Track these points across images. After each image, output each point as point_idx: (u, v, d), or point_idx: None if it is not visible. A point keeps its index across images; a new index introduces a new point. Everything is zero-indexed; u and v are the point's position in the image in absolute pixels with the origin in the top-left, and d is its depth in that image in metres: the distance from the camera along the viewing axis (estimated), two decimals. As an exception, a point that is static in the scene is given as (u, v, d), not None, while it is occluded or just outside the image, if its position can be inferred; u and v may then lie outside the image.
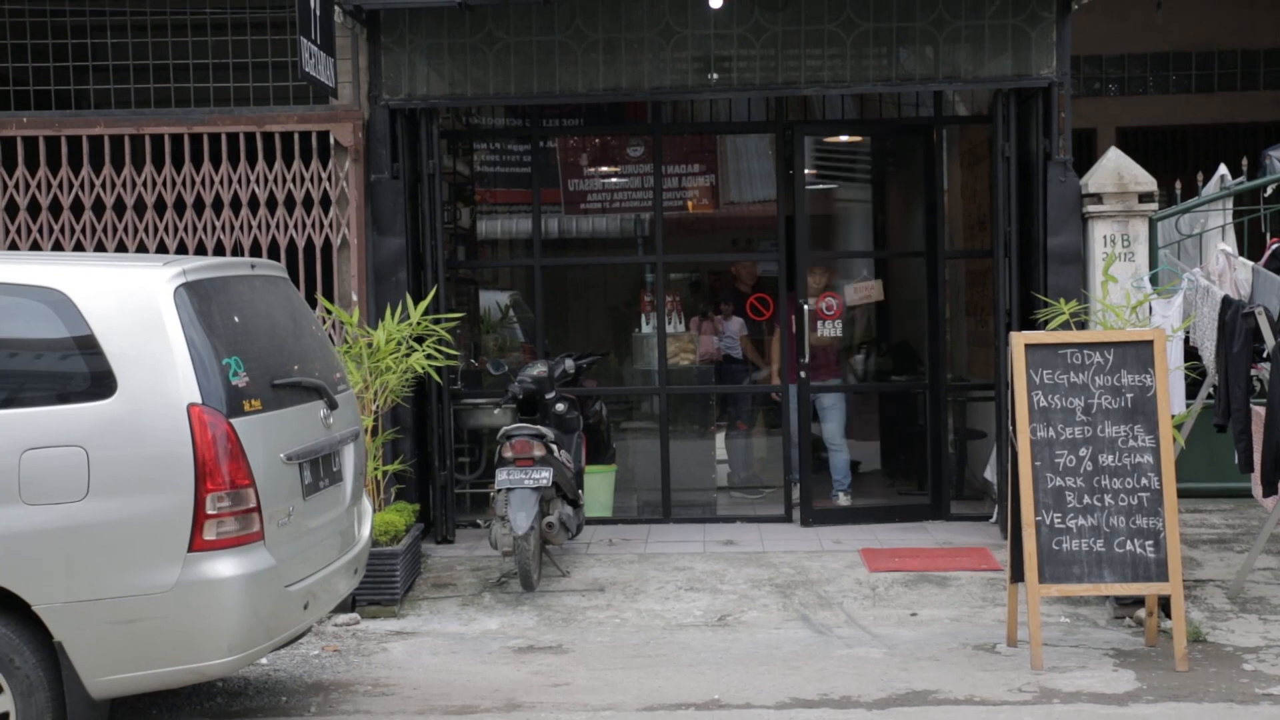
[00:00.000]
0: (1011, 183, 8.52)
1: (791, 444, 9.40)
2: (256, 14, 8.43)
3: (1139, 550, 6.36)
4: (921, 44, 8.48)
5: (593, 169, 10.45)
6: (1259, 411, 7.15)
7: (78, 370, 5.07)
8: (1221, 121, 12.18)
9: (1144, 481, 6.42)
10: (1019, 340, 6.62)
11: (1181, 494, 6.81)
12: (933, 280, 9.41)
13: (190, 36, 8.54)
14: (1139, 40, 12.00)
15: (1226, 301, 7.27)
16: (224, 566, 4.98)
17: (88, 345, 5.04)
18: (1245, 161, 8.70)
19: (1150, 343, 6.52)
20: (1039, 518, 6.42)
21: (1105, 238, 8.26)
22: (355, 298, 8.40)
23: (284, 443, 5.37)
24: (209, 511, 4.95)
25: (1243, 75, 12.35)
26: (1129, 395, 6.49)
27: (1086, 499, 6.42)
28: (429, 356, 7.95)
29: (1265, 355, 7.17)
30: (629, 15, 8.50)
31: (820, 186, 11.31)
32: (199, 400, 4.98)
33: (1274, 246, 8.10)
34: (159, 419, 4.98)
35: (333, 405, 5.83)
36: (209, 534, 4.97)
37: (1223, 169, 8.82)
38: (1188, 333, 7.70)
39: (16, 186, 8.38)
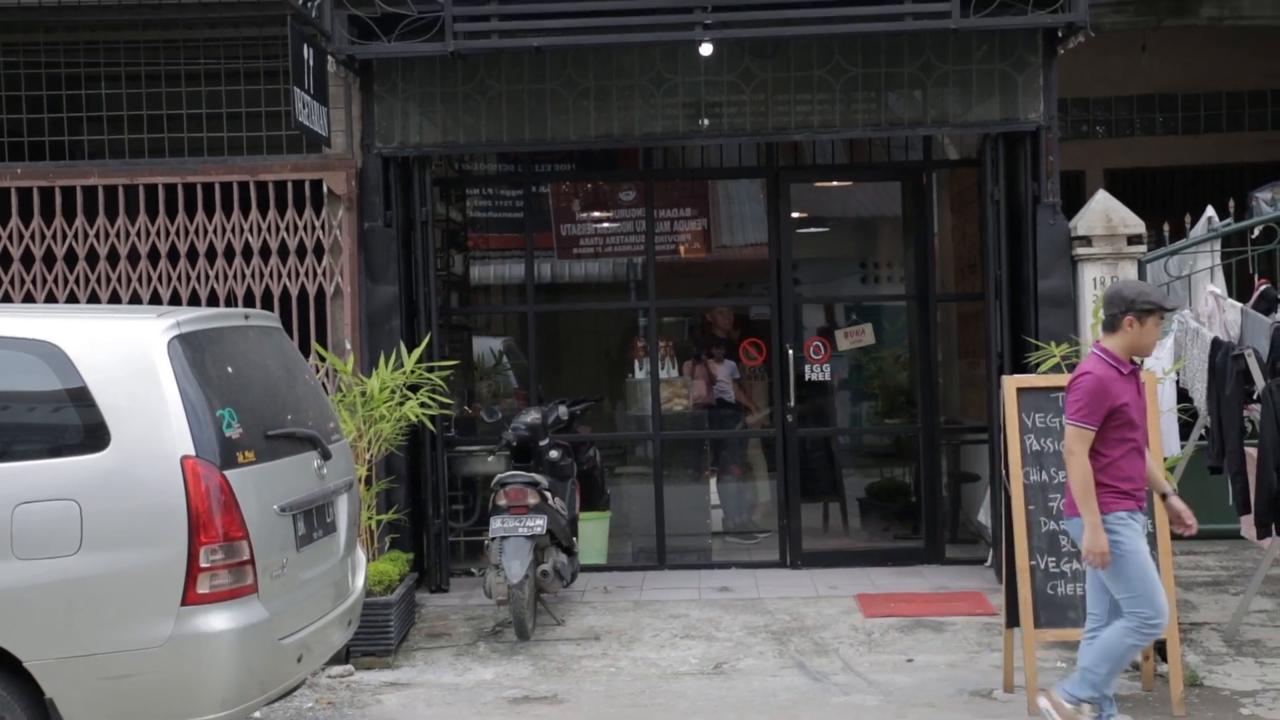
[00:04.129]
0: (1001, 226, 8.55)
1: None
2: (249, 64, 8.49)
3: (1134, 594, 6.33)
4: (910, 89, 8.54)
5: (585, 214, 10.48)
6: (1251, 453, 7.15)
7: (71, 423, 5.04)
8: (1208, 163, 12.24)
9: (1138, 525, 6.39)
10: (1010, 384, 6.63)
11: (1175, 536, 6.80)
12: (924, 323, 9.44)
13: (184, 87, 8.59)
14: (1126, 83, 12.08)
15: (1216, 343, 7.29)
16: (217, 620, 4.94)
17: (81, 398, 5.01)
18: (1232, 203, 8.75)
19: (1141, 386, 6.53)
20: (1033, 562, 6.41)
21: (1095, 280, 8.30)
22: (349, 346, 8.40)
23: (278, 494, 5.35)
24: (202, 565, 4.91)
25: (1228, 117, 12.43)
26: (1121, 438, 6.48)
27: (1081, 543, 6.40)
28: (423, 404, 7.94)
29: (1255, 397, 7.19)
30: (620, 63, 8.56)
31: (812, 230, 11.35)
32: (193, 452, 4.95)
33: (1262, 287, 8.13)
34: (153, 471, 4.95)
35: (326, 455, 5.81)
36: (202, 587, 4.92)
37: (1210, 211, 8.87)
38: (1179, 374, 7.72)
39: (10, 238, 8.41)
